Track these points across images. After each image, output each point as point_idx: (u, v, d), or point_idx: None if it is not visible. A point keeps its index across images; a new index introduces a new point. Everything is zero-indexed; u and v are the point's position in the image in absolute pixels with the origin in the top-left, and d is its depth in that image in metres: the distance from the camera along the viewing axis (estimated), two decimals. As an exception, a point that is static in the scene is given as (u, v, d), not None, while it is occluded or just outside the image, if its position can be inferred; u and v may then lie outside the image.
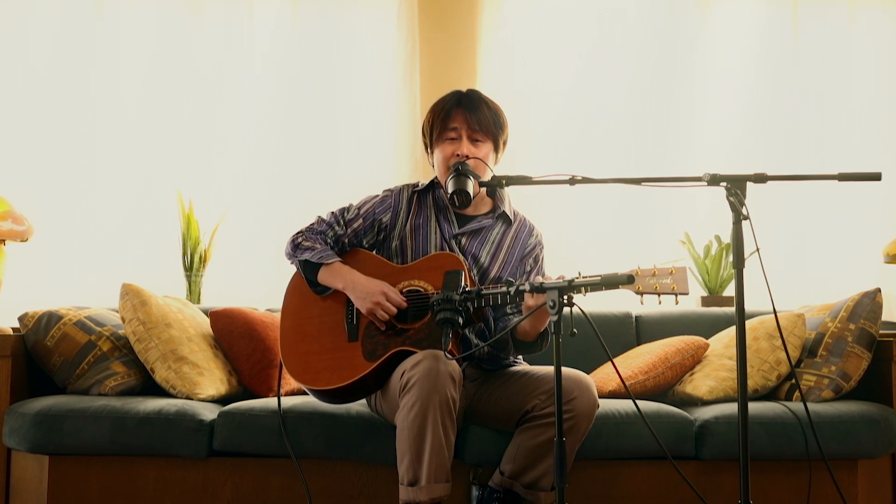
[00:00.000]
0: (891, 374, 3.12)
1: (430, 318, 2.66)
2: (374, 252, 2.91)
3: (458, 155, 2.81)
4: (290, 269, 2.91)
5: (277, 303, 2.97)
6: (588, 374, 2.82)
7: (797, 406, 2.97)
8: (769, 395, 3.18)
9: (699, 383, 3.13)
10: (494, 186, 2.51)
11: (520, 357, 2.93)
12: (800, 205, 4.16)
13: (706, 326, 3.46)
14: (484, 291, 2.49)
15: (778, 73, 4.21)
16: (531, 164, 3.99)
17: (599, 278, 2.29)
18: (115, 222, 4.06)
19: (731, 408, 2.97)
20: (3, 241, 3.45)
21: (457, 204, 2.74)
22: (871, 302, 3.20)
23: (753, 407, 2.92)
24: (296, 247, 2.86)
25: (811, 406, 2.95)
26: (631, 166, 4.13)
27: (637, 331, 3.54)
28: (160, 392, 3.14)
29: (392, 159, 4.16)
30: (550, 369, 2.63)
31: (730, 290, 3.87)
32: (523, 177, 2.45)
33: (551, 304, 2.24)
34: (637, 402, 2.62)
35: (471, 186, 2.73)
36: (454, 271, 2.58)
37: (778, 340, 3.15)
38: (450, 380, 2.51)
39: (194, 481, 2.93)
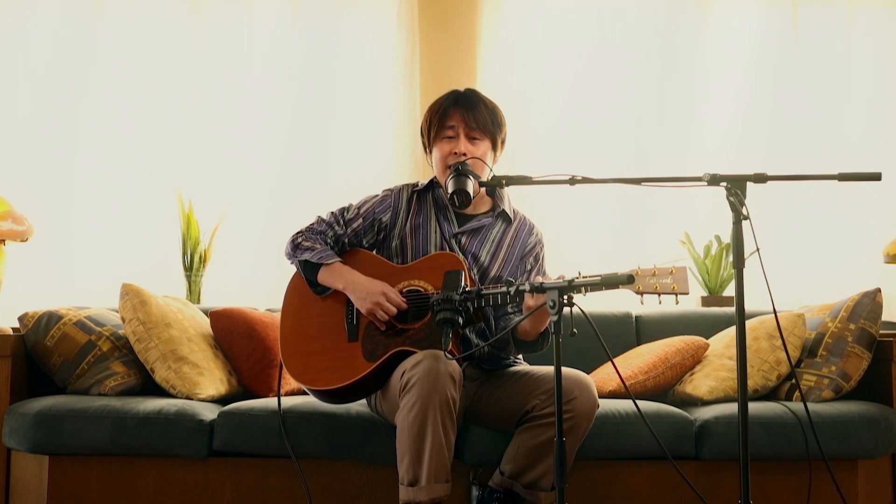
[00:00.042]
0: (891, 374, 3.12)
1: (430, 318, 2.66)
2: (374, 252, 2.91)
3: (455, 153, 2.81)
4: (290, 269, 2.91)
5: (277, 303, 2.97)
6: (588, 374, 2.82)
7: (797, 406, 2.97)
8: (769, 395, 3.18)
9: (699, 383, 3.13)
10: (494, 186, 2.52)
11: (520, 357, 2.93)
12: (800, 205, 4.16)
13: (706, 326, 3.46)
14: (484, 291, 2.49)
15: (778, 73, 4.21)
16: (531, 164, 3.99)
17: (599, 278, 2.29)
18: (115, 222, 4.06)
19: (731, 408, 2.97)
20: (3, 241, 3.45)
21: (457, 204, 2.74)
22: (871, 302, 3.20)
23: (753, 407, 2.92)
24: (296, 247, 2.86)
25: (811, 406, 2.95)
26: (631, 166, 4.13)
27: (637, 331, 3.54)
28: (160, 392, 3.14)
29: (392, 159, 4.16)
30: (550, 369, 2.63)
31: (730, 290, 3.87)
32: (523, 177, 2.45)
33: (551, 304, 2.24)
34: (637, 402, 2.62)
35: (471, 186, 2.73)
36: (454, 271, 2.58)
37: (778, 340, 3.15)
38: (450, 380, 2.51)
39: (194, 481, 2.93)
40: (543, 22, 4.21)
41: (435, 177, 2.92)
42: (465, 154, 2.80)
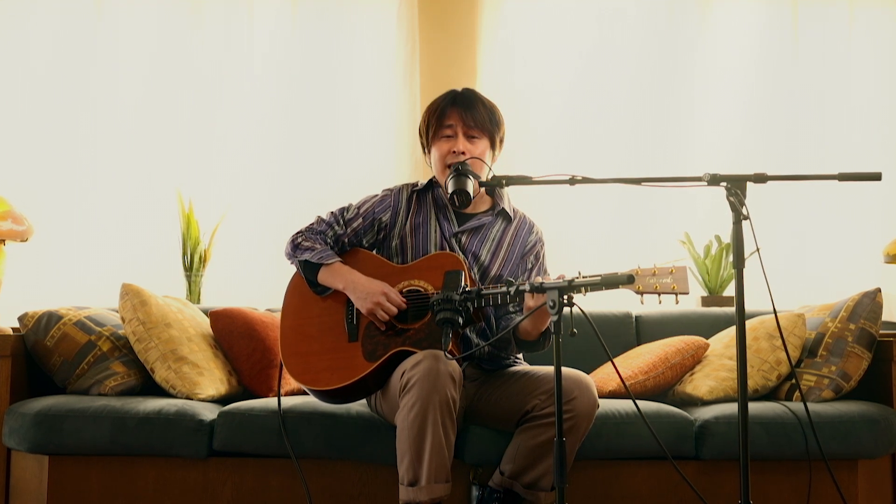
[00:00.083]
0: (891, 374, 3.12)
1: (430, 318, 2.66)
2: (374, 251, 2.91)
3: (454, 152, 2.81)
4: (290, 269, 2.91)
5: (277, 303, 2.97)
6: (588, 374, 2.82)
7: (797, 406, 2.97)
8: (769, 395, 3.18)
9: (699, 383, 3.13)
10: (494, 186, 2.52)
11: (520, 357, 2.93)
12: (800, 205, 4.16)
13: (706, 326, 3.46)
14: (484, 291, 2.49)
15: (778, 73, 4.21)
16: (531, 164, 3.99)
17: (599, 278, 2.29)
18: (115, 222, 4.06)
19: (731, 408, 2.97)
20: (3, 241, 3.45)
21: (457, 204, 2.74)
22: (871, 302, 3.20)
23: (753, 407, 2.92)
24: (296, 247, 2.86)
25: (811, 406, 2.95)
26: (631, 166, 4.13)
27: (637, 331, 3.54)
28: (160, 392, 3.14)
29: (392, 159, 4.16)
30: (550, 369, 2.63)
31: (730, 290, 3.87)
32: (523, 177, 2.45)
33: (551, 304, 2.24)
34: (637, 402, 2.62)
35: (471, 186, 2.73)
36: (454, 271, 2.58)
37: (778, 340, 3.15)
38: (450, 380, 2.51)
39: (194, 481, 2.93)
40: (543, 22, 4.21)
41: (434, 176, 2.93)
42: (463, 153, 2.80)
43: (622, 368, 3.17)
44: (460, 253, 2.82)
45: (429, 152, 2.91)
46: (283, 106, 4.16)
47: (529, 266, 2.90)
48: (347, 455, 2.87)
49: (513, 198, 2.98)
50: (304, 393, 2.94)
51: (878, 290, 3.23)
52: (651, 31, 4.22)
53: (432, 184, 2.94)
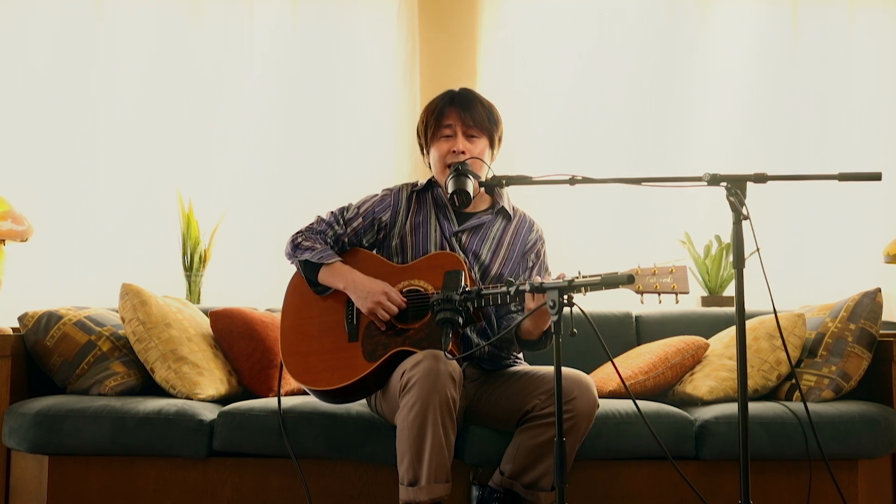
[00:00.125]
0: (891, 374, 3.12)
1: (430, 318, 2.66)
2: (374, 251, 2.91)
3: (454, 151, 2.81)
4: (290, 269, 2.91)
5: (277, 303, 2.97)
6: (588, 374, 2.82)
7: (797, 406, 2.97)
8: (769, 395, 3.18)
9: (699, 383, 3.13)
10: (494, 186, 2.52)
11: (520, 356, 2.93)
12: (800, 205, 4.16)
13: (706, 326, 3.46)
14: (484, 291, 2.48)
15: (778, 73, 4.21)
16: (531, 164, 3.99)
17: (599, 278, 2.29)
18: (115, 222, 4.06)
19: (731, 408, 2.97)
20: (3, 241, 3.45)
21: (457, 204, 2.73)
22: (871, 302, 3.20)
23: (753, 407, 2.92)
24: (296, 247, 2.86)
25: (811, 406, 2.95)
26: (631, 166, 4.13)
27: (637, 331, 3.54)
28: (160, 392, 3.14)
29: (392, 159, 4.17)
30: (550, 369, 2.63)
31: (730, 290, 3.87)
32: (523, 177, 2.45)
33: (551, 304, 2.24)
34: (637, 402, 2.62)
35: (471, 186, 2.73)
36: (454, 271, 2.58)
37: (778, 340, 3.15)
38: (450, 380, 2.51)
39: (194, 481, 2.93)
40: (543, 22, 4.21)
41: (433, 176, 2.93)
42: (463, 152, 2.80)
43: (622, 368, 3.17)
44: (460, 252, 2.82)
45: (427, 152, 2.91)
46: (283, 106, 4.16)
47: (531, 264, 2.90)
48: (347, 455, 2.87)
49: (513, 198, 2.98)
50: (304, 393, 2.94)
51: (878, 290, 3.23)
52: (651, 31, 4.22)
53: (432, 183, 2.94)
